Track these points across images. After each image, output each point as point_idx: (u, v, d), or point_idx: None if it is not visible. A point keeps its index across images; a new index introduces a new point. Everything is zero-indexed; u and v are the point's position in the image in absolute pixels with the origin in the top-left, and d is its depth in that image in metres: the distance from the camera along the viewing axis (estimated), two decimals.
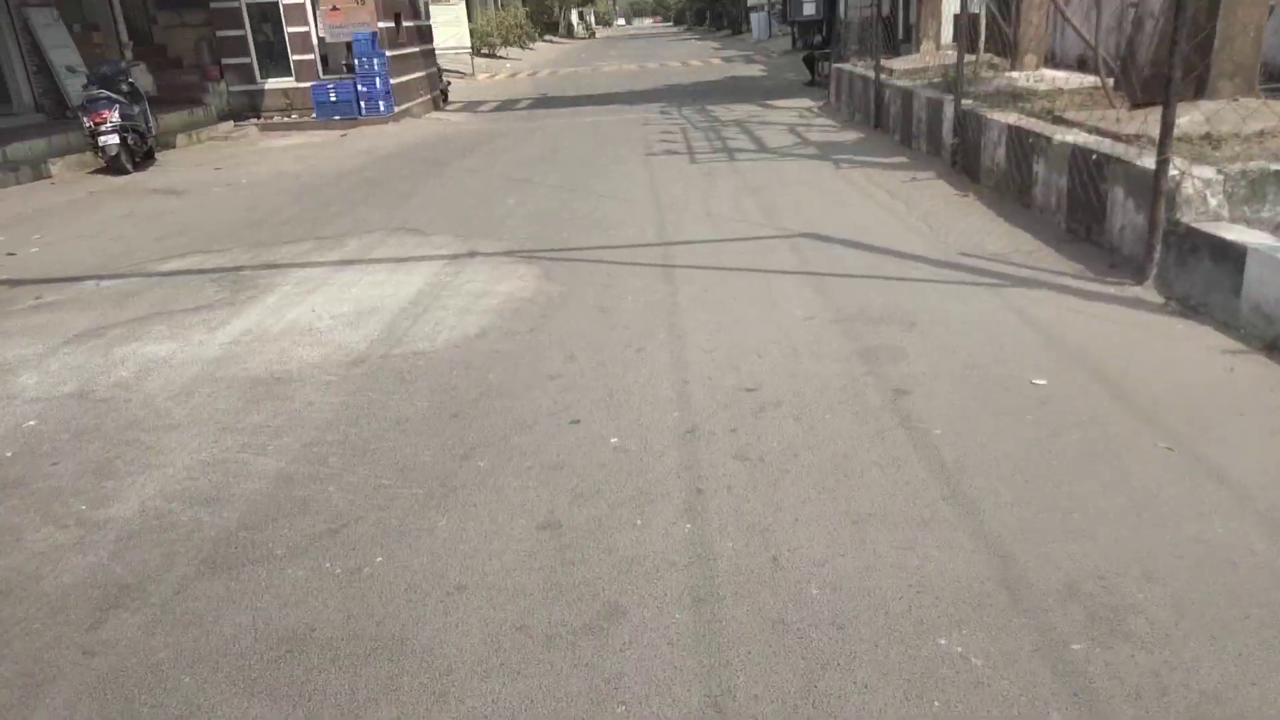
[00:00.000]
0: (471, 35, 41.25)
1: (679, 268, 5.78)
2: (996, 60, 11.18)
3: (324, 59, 16.87)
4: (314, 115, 16.17)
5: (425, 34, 19.17)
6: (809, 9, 30.86)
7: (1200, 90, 6.14)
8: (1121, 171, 4.90)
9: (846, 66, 13.21)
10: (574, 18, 78.82)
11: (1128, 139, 5.45)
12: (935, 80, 9.87)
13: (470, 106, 20.65)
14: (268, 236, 7.46)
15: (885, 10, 13.75)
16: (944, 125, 8.26)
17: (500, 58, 40.96)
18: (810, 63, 20.34)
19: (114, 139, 11.31)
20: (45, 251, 7.37)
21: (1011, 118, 6.89)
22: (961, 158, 7.81)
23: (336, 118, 16.05)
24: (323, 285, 5.87)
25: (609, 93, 22.19)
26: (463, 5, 31.01)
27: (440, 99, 20.23)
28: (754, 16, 44.30)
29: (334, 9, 15.90)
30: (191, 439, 3.68)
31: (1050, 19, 9.54)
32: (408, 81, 17.51)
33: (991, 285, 4.97)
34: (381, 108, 16.07)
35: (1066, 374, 3.73)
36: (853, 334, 4.35)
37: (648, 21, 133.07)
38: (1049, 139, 5.91)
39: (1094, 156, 5.16)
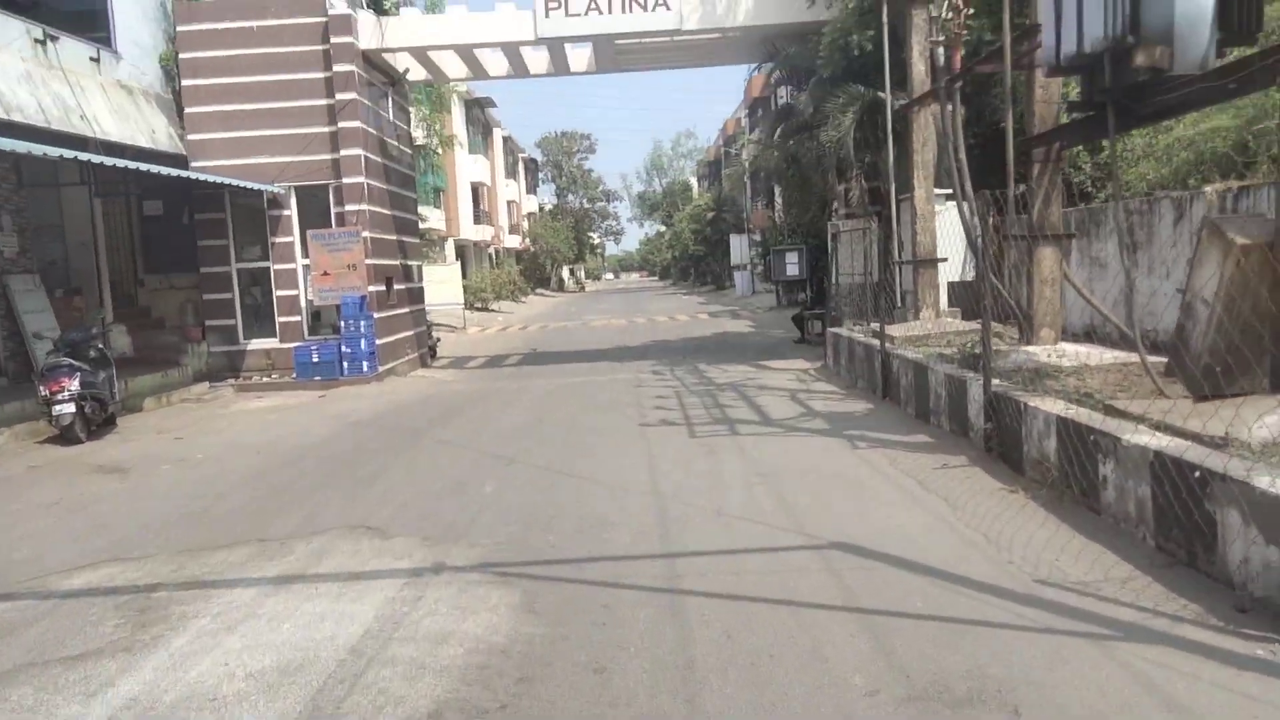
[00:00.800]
0: (466, 290, 42.66)
1: (691, 595, 4.70)
2: (1000, 329, 10.80)
3: (315, 315, 16.64)
4: (294, 375, 15.63)
5: (416, 295, 19.17)
6: (792, 270, 31.92)
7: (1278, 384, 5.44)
8: (1238, 493, 4.00)
9: (843, 332, 12.88)
10: (565, 273, 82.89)
11: (1218, 445, 4.62)
12: (946, 352, 9.32)
13: (458, 363, 20.35)
14: (202, 537, 6.39)
15: (876, 275, 13.65)
16: (970, 406, 7.54)
17: (493, 310, 41.93)
18: (799, 322, 20.38)
19: (69, 408, 10.55)
20: None
21: (1058, 407, 6.13)
22: (998, 444, 7.01)
23: (317, 378, 15.50)
24: (249, 618, 4.73)
25: (599, 349, 22.08)
26: (457, 265, 31.91)
27: (429, 355, 19.95)
28: (737, 275, 46.16)
29: (325, 274, 15.82)
30: None
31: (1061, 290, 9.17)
32: (395, 341, 17.21)
33: (1096, 637, 3.89)
34: (365, 368, 15.57)
35: None
36: None
37: (634, 276, 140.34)
38: (1117, 439, 5.08)
39: (1196, 473, 4.28)
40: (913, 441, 8.20)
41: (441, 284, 30.89)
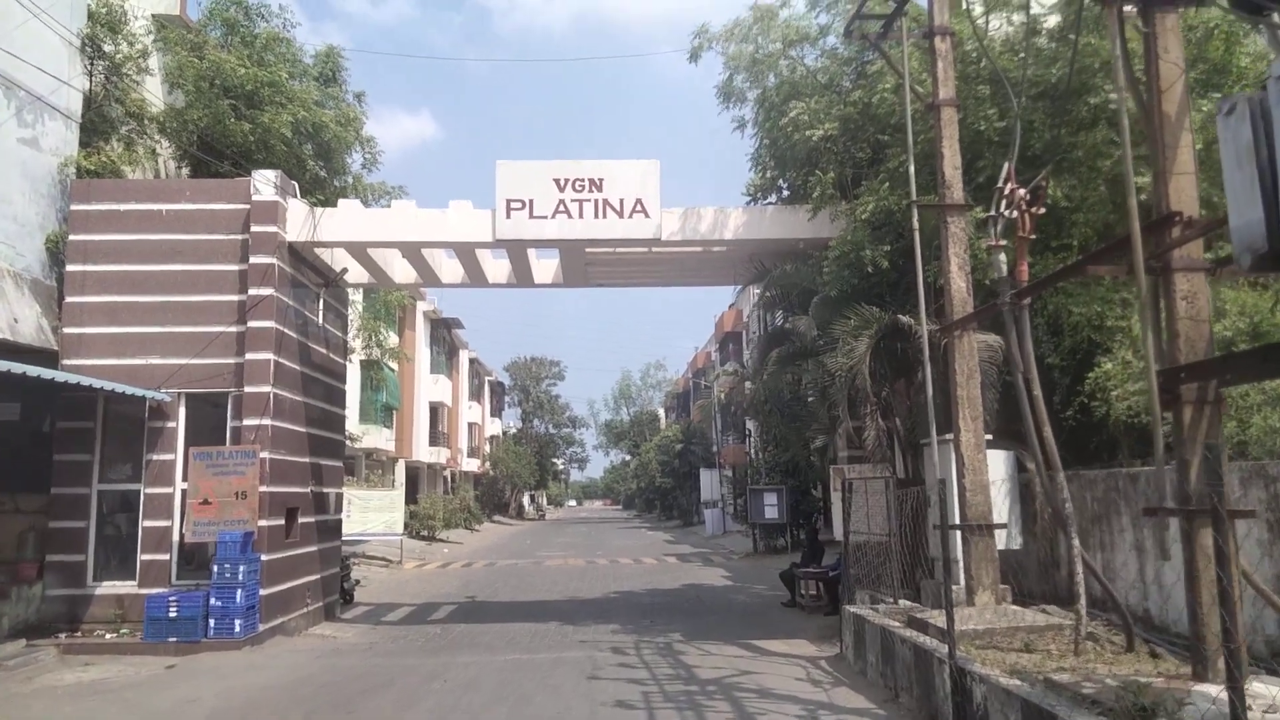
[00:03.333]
0: (413, 517, 38.88)
1: None
2: (1095, 632, 7.76)
3: (188, 555, 13.17)
4: (143, 635, 11.95)
5: (329, 529, 15.80)
6: (771, 512, 28.99)
7: None
8: None
9: (871, 615, 9.72)
10: (526, 499, 79.06)
11: None
12: (1061, 678, 6.15)
13: (375, 615, 16.63)
14: None
15: (898, 527, 10.76)
16: None
17: (440, 540, 38.03)
18: (790, 581, 17.14)
19: None
20: None
21: None
22: None
23: (172, 639, 11.82)
24: None
25: (550, 600, 18.50)
26: (400, 492, 28.61)
27: (339, 603, 16.26)
28: (708, 512, 43.00)
29: (205, 502, 12.58)
30: None
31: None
32: (289, 589, 13.65)
33: None
34: (237, 628, 11.94)
35: None
36: None
37: (598, 504, 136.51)
38: None
39: None
40: None
41: (379, 511, 27.44)
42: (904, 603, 10.64)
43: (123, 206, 13.54)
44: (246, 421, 12.99)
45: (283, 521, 13.46)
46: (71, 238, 13.38)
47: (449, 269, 16.75)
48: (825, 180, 12.28)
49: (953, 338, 9.45)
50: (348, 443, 31.44)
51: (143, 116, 15.44)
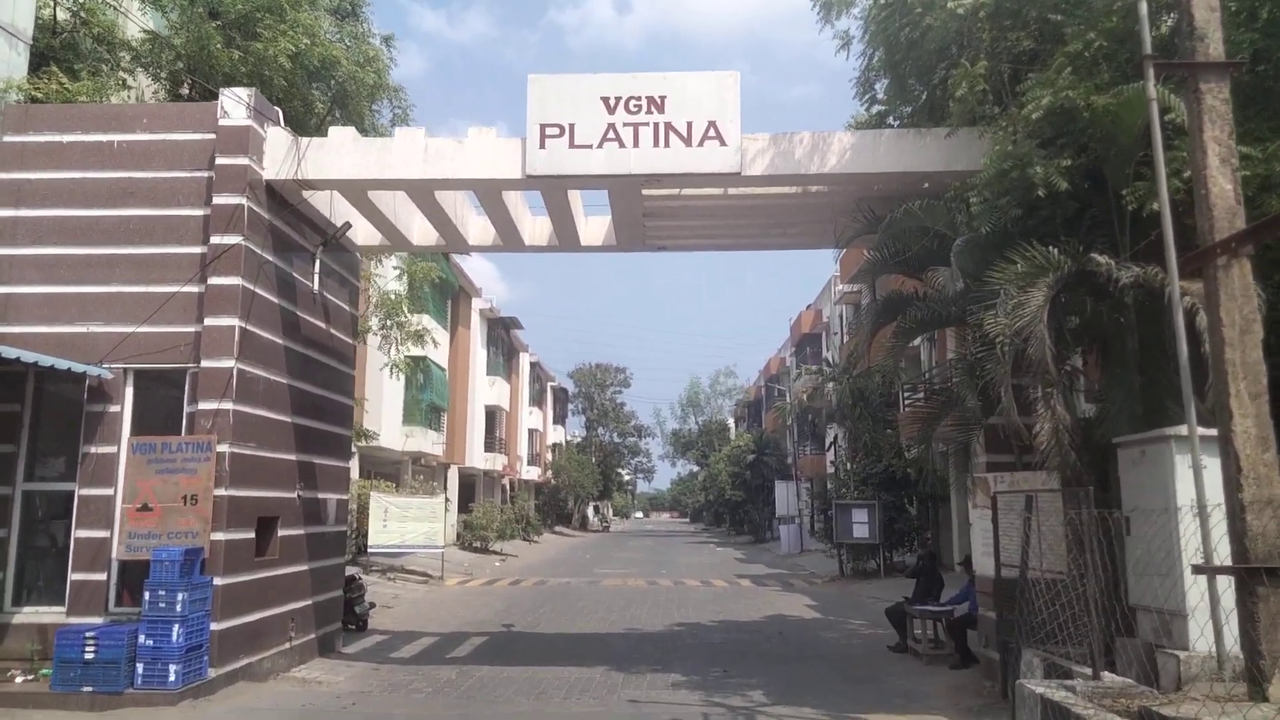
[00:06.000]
0: (466, 527, 36.16)
1: None
2: None
3: (123, 575, 10.28)
4: (50, 684, 9.06)
5: (327, 544, 12.83)
6: (860, 530, 25.25)
7: None
8: None
9: (1075, 707, 6.16)
10: (590, 510, 76.12)
11: None
12: None
13: (387, 647, 13.63)
14: None
15: (1094, 561, 7.30)
16: None
17: (493, 552, 35.26)
18: (900, 620, 13.57)
19: None
20: None
21: None
22: None
23: (87, 689, 8.91)
24: None
25: (599, 633, 15.28)
26: (441, 500, 25.78)
27: (340, 634, 13.30)
28: (783, 528, 39.24)
29: (144, 508, 9.69)
30: None
31: None
32: (263, 621, 10.69)
33: None
34: (172, 675, 8.95)
35: None
36: None
37: (665, 516, 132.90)
38: None
39: None
40: None
41: (419, 521, 24.59)
42: (1110, 677, 7.08)
43: (66, 138, 10.82)
44: (202, 405, 10.07)
45: (252, 534, 10.50)
46: (0, 176, 10.71)
47: (477, 228, 13.72)
48: (973, 73, 8.78)
49: (1212, 270, 5.89)
50: (392, 447, 29.10)
51: (112, 42, 12.81)
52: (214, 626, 9.57)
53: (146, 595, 9.08)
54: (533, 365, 58.22)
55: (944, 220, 9.53)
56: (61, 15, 13.10)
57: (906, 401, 25.47)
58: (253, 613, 10.44)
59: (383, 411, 27.57)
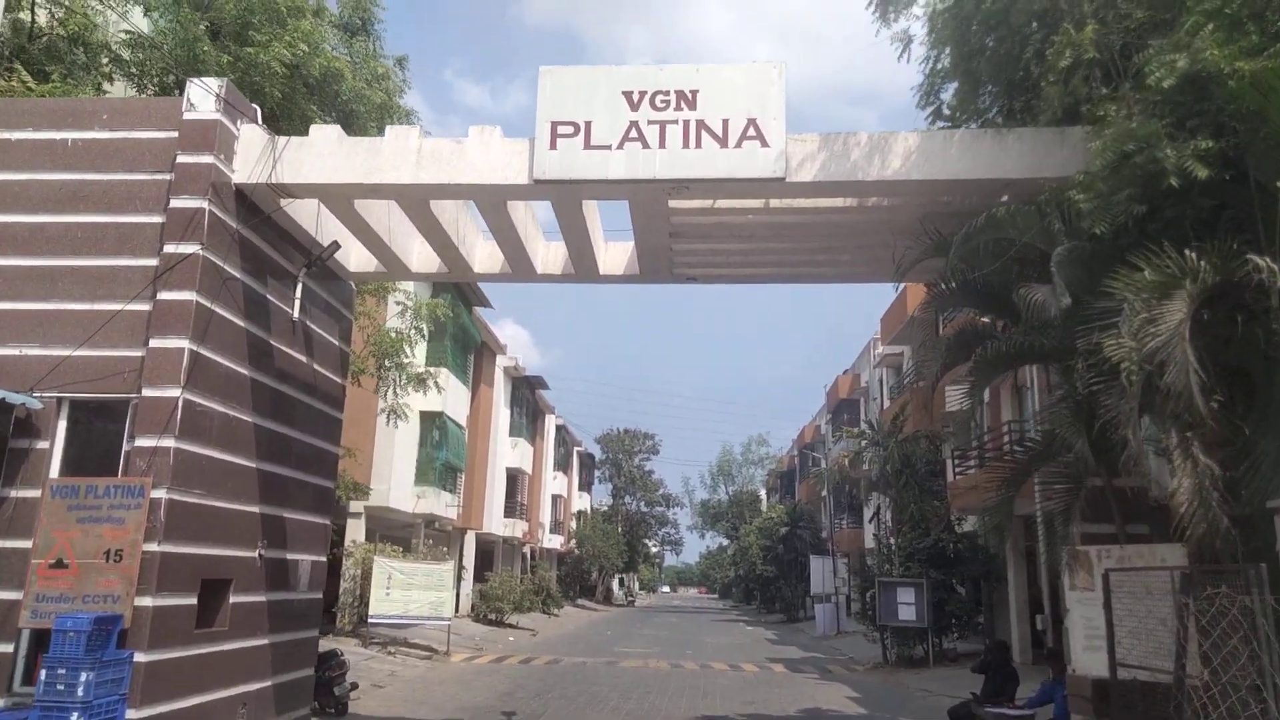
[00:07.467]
0: (481, 598, 34.08)
1: None
2: None
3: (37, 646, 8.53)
4: None
5: (295, 614, 11.01)
6: (906, 612, 22.85)
7: None
8: None
9: None
10: (615, 583, 73.25)
11: None
12: None
13: None
14: None
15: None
16: None
17: (509, 625, 33.07)
18: None
19: None
20: None
21: None
22: None
23: None
24: None
25: None
26: (449, 567, 23.88)
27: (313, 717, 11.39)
28: (819, 607, 36.61)
29: (58, 564, 8.00)
30: None
31: None
32: (199, 706, 8.84)
33: None
34: None
35: None
36: None
37: (693, 591, 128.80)
38: None
39: None
40: None
41: (425, 589, 22.65)
42: None
43: (15, 135, 9.50)
44: (139, 442, 8.45)
45: (193, 600, 8.73)
46: None
47: (484, 253, 12.19)
48: (1079, 39, 7.13)
49: None
50: (402, 508, 27.31)
51: (89, 43, 11.66)
52: (131, 715, 7.76)
53: (43, 674, 7.32)
54: (558, 428, 56.50)
55: (1034, 229, 7.79)
56: (42, 18, 12.03)
57: (957, 470, 23.34)
58: (189, 696, 8.61)
59: (393, 469, 25.88)
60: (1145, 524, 8.71)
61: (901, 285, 16.16)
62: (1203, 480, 6.11)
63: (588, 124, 9.10)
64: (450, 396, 29.42)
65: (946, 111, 10.41)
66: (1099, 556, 8.10)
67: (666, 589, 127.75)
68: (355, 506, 24.79)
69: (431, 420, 28.84)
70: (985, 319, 9.54)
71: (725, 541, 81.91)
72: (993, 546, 15.22)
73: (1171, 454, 6.21)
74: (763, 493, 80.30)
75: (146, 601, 8.04)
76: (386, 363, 15.37)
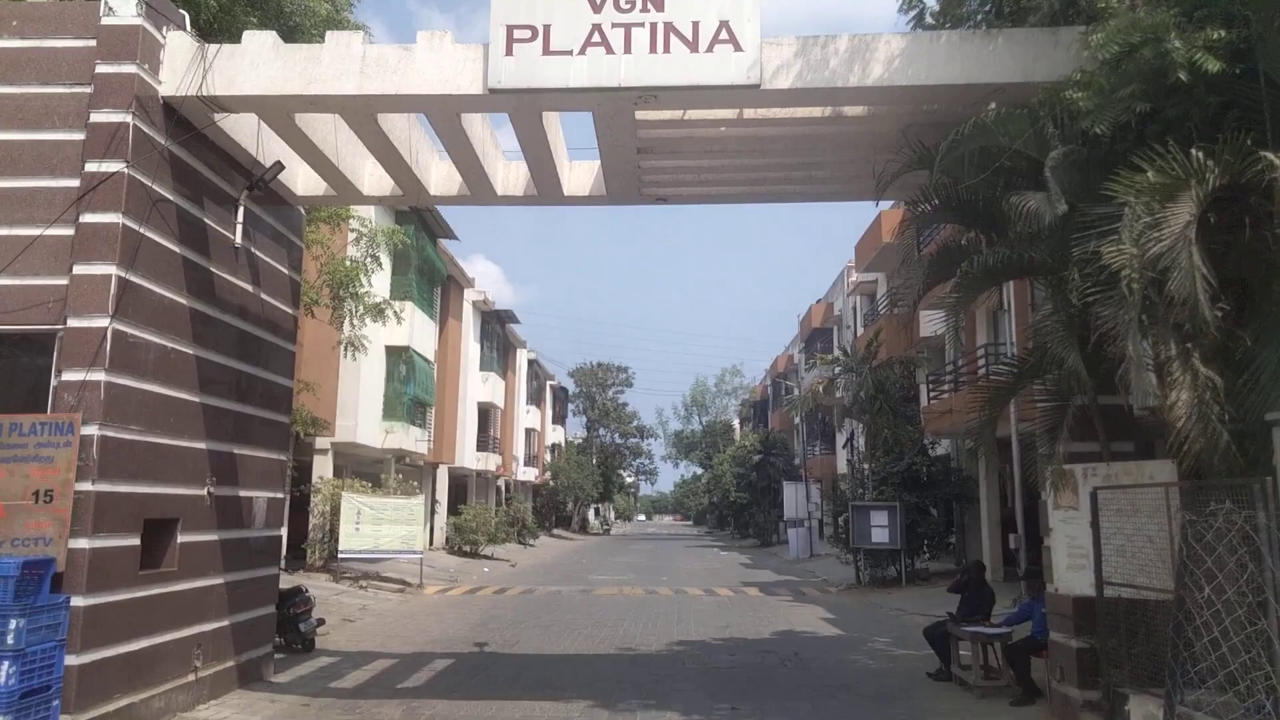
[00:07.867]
0: (455, 530, 33.99)
1: None
2: None
3: None
4: None
5: (252, 552, 10.59)
6: (879, 535, 22.95)
7: None
8: None
9: None
10: (590, 513, 73.82)
11: None
12: None
13: (331, 673, 11.39)
14: None
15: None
16: None
17: (484, 557, 33.03)
18: (942, 642, 11.32)
19: None
20: None
21: None
22: None
23: None
24: None
25: (584, 655, 13.02)
26: (420, 501, 23.55)
27: (269, 660, 11.07)
28: (791, 532, 36.93)
29: None
30: None
31: None
32: (153, 649, 8.46)
33: None
34: None
35: None
36: None
37: (668, 519, 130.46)
38: None
39: None
40: None
41: (395, 524, 22.35)
42: None
43: None
44: (66, 376, 7.85)
45: (135, 541, 8.25)
46: None
47: (440, 175, 11.50)
48: None
49: None
50: (370, 443, 26.81)
51: None
52: (71, 660, 7.34)
53: None
54: (531, 362, 55.97)
55: (1026, 135, 7.28)
56: None
57: (932, 394, 23.23)
58: (136, 640, 8.20)
59: (359, 404, 25.31)
60: (1130, 441, 8.46)
61: (877, 211, 15.59)
62: (1203, 393, 5.77)
63: (546, 28, 8.38)
64: (417, 330, 28.73)
65: (930, 20, 9.78)
66: (1085, 475, 7.84)
67: (642, 518, 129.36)
68: (322, 443, 24.28)
69: (398, 355, 28.19)
70: (969, 235, 9.08)
71: (699, 470, 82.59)
72: (969, 469, 15.06)
73: (1170, 366, 5.84)
74: (736, 423, 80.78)
75: (83, 543, 7.55)
76: (342, 293, 14.70)
